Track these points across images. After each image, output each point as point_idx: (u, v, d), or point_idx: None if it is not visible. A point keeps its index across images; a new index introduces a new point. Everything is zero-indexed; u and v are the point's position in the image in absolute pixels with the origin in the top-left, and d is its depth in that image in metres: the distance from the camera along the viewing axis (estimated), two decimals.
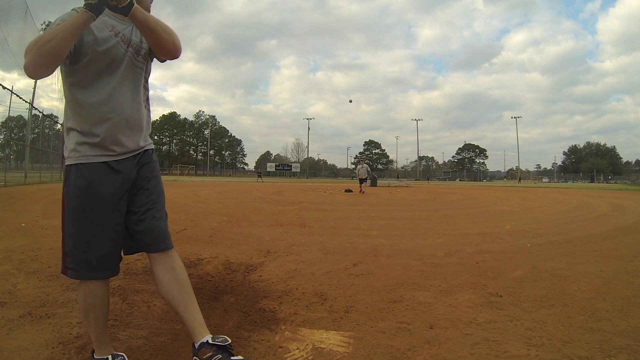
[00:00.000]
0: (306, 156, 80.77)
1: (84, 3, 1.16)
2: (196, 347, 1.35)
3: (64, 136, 1.40)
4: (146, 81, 1.49)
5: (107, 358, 1.39)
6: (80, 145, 1.33)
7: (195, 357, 1.34)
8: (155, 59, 1.50)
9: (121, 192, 1.39)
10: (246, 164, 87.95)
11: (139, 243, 1.45)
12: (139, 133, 1.44)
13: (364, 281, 2.68)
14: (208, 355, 1.31)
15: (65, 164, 1.36)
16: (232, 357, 1.30)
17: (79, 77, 1.32)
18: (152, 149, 1.54)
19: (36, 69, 1.18)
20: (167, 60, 1.49)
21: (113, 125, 1.34)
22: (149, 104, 1.53)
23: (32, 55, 1.14)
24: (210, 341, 1.34)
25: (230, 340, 1.37)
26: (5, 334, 1.72)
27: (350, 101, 22.81)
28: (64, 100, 1.40)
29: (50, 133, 23.20)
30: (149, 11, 1.38)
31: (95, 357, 1.41)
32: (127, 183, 1.41)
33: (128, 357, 1.49)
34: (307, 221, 5.90)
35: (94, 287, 1.37)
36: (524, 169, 73.26)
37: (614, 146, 79.93)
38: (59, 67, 1.27)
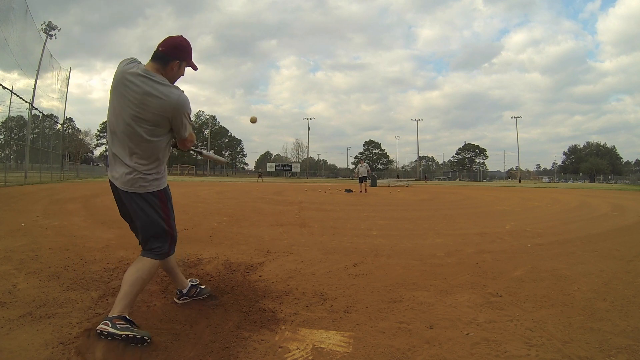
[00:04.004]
0: (306, 156, 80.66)
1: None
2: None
3: (155, 166, 1.93)
4: None
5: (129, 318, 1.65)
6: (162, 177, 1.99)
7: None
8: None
9: None
10: (246, 164, 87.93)
11: None
12: None
13: (364, 281, 2.68)
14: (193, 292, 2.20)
15: (160, 188, 1.91)
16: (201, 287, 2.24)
17: (167, 148, 1.96)
18: None
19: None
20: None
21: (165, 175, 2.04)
22: None
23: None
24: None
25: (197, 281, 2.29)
26: (5, 334, 1.72)
27: (253, 121, 3.82)
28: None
29: (50, 133, 23.13)
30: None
31: (128, 318, 1.63)
32: None
33: (128, 357, 1.51)
34: (307, 221, 5.90)
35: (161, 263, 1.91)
36: (524, 169, 73.20)
37: (614, 146, 79.86)
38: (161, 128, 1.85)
